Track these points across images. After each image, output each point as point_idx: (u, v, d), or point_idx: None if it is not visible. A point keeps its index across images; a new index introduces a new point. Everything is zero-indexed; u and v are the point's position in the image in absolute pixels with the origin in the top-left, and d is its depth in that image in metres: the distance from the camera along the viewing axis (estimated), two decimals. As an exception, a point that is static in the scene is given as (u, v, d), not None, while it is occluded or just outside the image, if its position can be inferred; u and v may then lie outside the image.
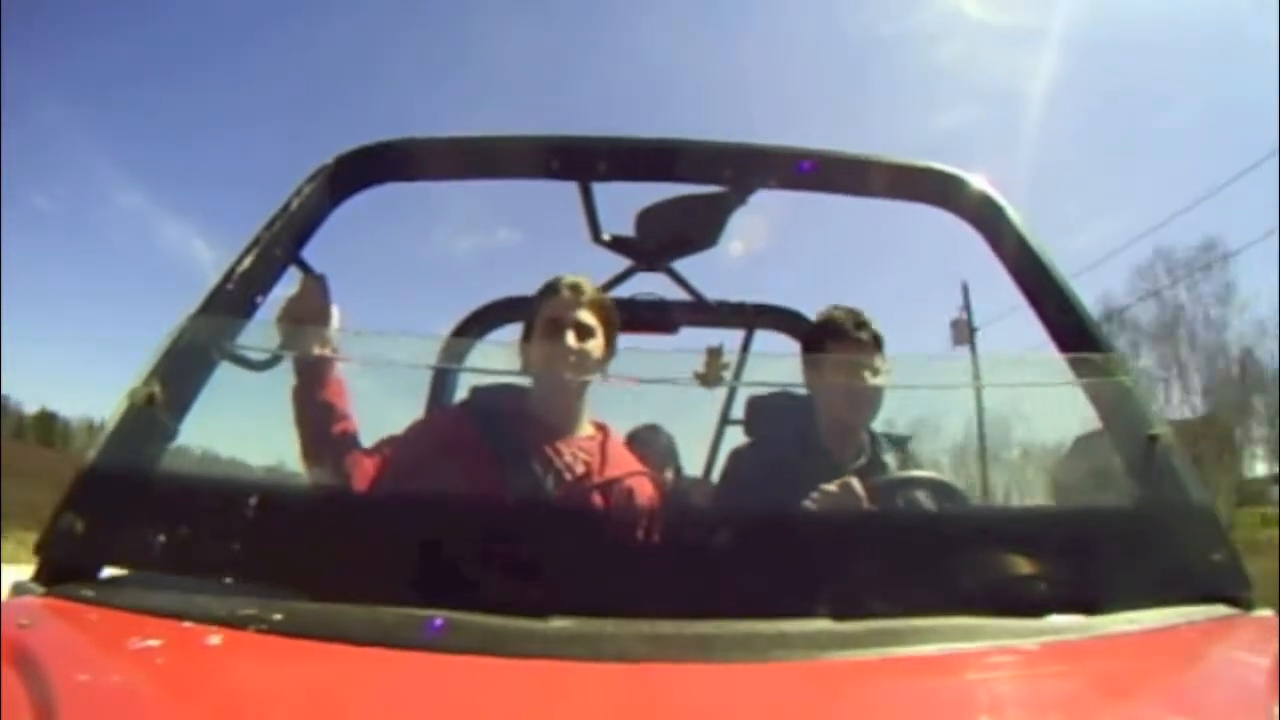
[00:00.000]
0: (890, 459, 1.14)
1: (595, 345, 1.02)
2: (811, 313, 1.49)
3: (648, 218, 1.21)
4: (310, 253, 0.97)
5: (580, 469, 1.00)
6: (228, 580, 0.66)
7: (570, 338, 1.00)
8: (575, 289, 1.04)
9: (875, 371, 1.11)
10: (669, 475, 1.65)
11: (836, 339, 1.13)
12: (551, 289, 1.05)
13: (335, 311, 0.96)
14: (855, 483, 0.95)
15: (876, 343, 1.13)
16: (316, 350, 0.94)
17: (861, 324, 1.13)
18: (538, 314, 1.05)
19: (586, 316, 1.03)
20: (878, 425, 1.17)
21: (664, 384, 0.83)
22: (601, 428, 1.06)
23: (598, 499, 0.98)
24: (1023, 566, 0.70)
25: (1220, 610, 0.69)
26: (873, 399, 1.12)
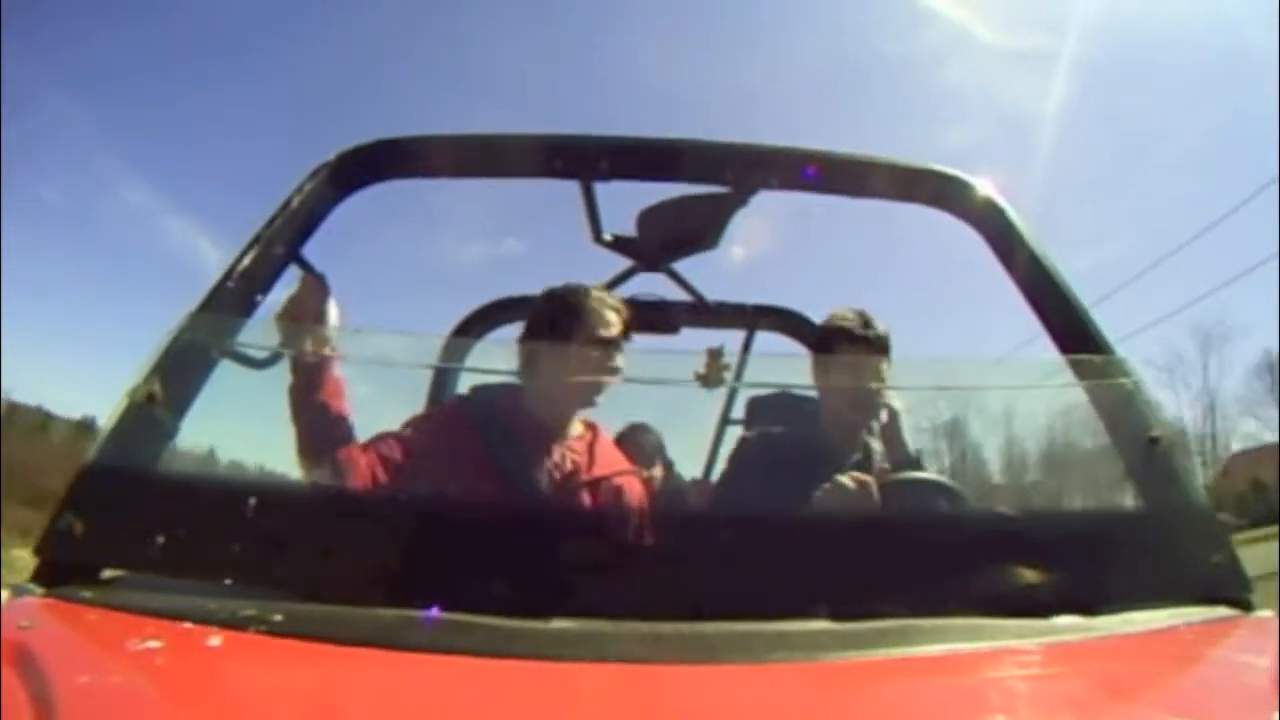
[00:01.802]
0: (886, 456, 1.15)
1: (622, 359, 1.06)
2: (813, 314, 1.50)
3: (649, 218, 1.21)
4: (310, 250, 0.97)
5: (572, 469, 1.02)
6: (228, 581, 0.66)
7: (619, 360, 1.04)
8: (618, 309, 1.07)
9: (879, 374, 1.12)
10: (658, 472, 1.65)
11: (844, 340, 1.14)
12: (594, 305, 1.06)
13: (335, 310, 0.96)
14: (855, 483, 0.95)
15: (883, 343, 1.14)
16: (316, 349, 0.94)
17: (869, 324, 1.14)
18: (576, 325, 1.05)
19: (620, 335, 1.06)
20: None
21: (665, 384, 0.83)
22: (591, 427, 1.08)
23: (592, 498, 0.99)
24: (1024, 567, 0.69)
25: (1221, 612, 0.70)
26: (877, 399, 1.14)
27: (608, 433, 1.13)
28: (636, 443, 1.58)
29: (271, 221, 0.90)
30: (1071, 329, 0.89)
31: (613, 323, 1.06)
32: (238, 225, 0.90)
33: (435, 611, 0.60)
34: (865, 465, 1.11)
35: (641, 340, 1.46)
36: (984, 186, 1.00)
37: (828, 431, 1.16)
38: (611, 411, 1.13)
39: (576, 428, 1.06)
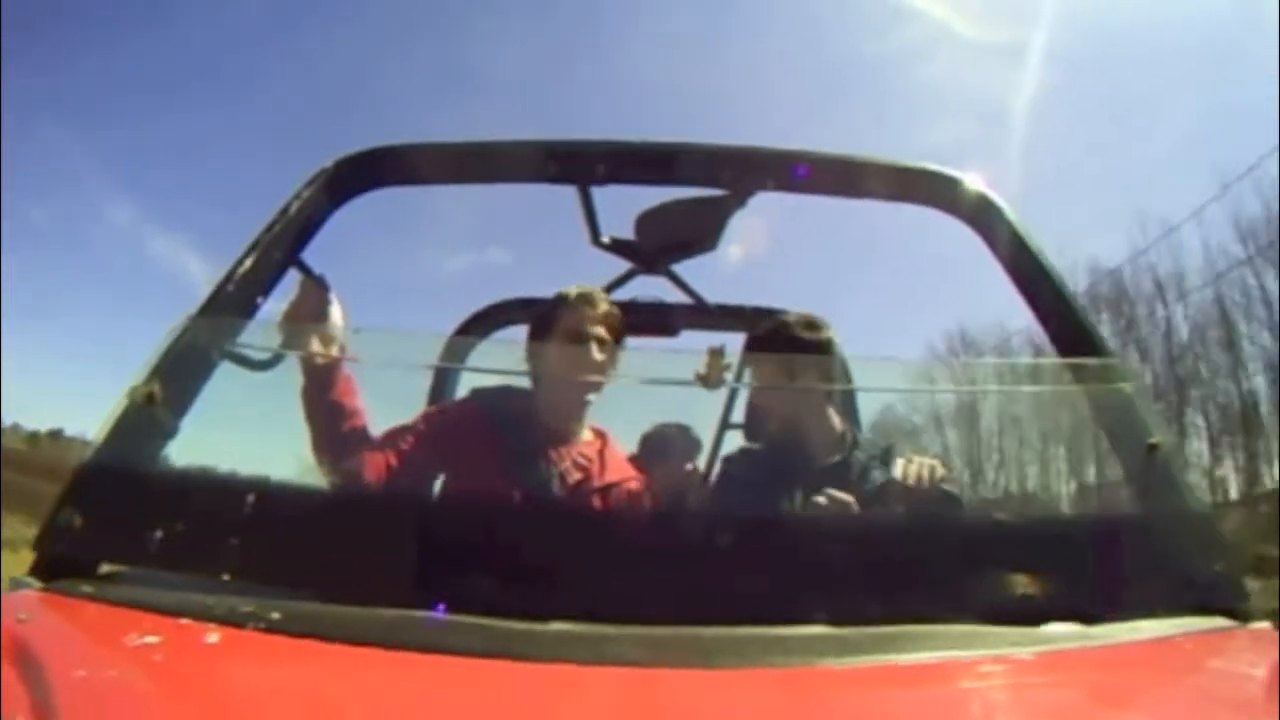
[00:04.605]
0: (863, 457, 1.12)
1: (610, 358, 1.06)
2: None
3: (647, 220, 1.22)
4: (309, 256, 0.97)
5: (580, 474, 1.02)
6: (226, 578, 0.66)
7: (595, 350, 1.03)
8: (592, 303, 1.07)
9: (809, 374, 1.08)
10: (687, 470, 1.62)
11: (779, 343, 1.10)
12: (571, 301, 1.07)
13: (338, 311, 0.97)
14: (852, 487, 0.95)
15: (825, 347, 1.10)
16: (319, 349, 0.95)
17: (813, 325, 1.11)
18: (556, 323, 1.07)
19: (603, 331, 1.06)
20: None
21: (666, 387, 0.84)
22: (600, 434, 1.08)
23: (598, 503, 1.00)
24: (1021, 575, 0.69)
25: (1218, 622, 0.69)
26: (818, 400, 1.10)
27: (620, 440, 1.14)
28: (667, 440, 1.57)
29: (271, 227, 0.91)
30: (1068, 327, 0.89)
31: (590, 318, 1.05)
32: (236, 245, 0.91)
33: (434, 612, 0.60)
34: (845, 464, 1.09)
35: (642, 342, 1.47)
36: (980, 185, 1.00)
37: (803, 433, 1.12)
38: (613, 415, 1.13)
39: (586, 434, 1.07)
